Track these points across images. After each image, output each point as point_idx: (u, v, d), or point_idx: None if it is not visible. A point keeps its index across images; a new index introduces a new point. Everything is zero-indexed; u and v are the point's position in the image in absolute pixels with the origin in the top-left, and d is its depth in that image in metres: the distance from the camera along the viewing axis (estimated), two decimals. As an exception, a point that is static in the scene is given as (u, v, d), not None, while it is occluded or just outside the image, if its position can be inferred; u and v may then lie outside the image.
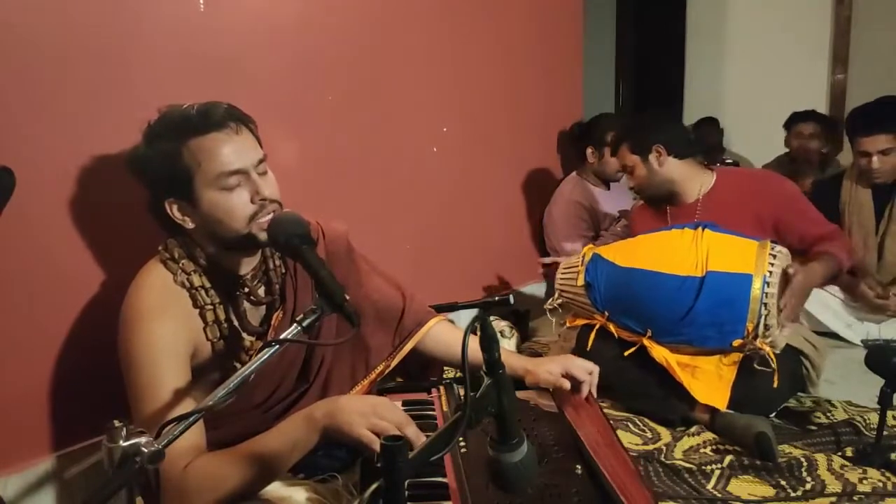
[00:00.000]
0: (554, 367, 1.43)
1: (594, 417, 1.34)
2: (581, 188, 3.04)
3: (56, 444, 1.52)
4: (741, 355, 1.80)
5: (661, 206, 2.31)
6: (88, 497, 0.78)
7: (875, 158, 2.52)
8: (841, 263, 2.05)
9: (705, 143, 4.22)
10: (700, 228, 1.91)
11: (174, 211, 1.24)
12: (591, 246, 2.12)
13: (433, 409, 1.37)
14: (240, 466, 1.11)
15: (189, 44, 1.68)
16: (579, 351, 1.96)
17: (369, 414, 1.09)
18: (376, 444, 1.05)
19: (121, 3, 1.54)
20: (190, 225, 1.25)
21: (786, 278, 1.83)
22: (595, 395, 1.42)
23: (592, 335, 1.98)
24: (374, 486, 0.82)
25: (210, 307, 1.27)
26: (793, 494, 1.51)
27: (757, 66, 4.58)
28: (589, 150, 3.04)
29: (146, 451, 0.82)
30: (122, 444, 0.82)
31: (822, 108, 4.30)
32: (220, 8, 1.74)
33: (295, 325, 1.03)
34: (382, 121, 2.27)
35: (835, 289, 2.62)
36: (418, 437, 1.07)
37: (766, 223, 2.10)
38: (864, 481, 1.53)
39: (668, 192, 2.26)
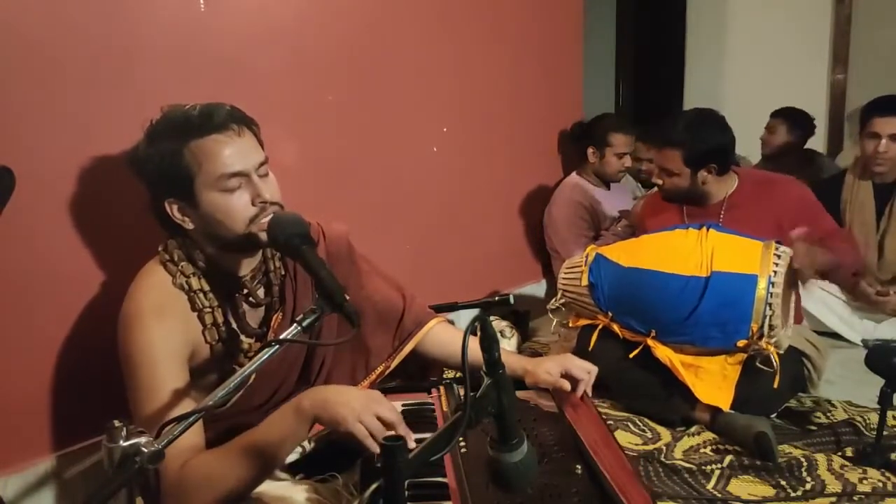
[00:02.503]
0: (553, 367, 1.42)
1: (589, 417, 1.34)
2: (581, 188, 3.04)
3: (56, 444, 1.52)
4: (745, 356, 1.80)
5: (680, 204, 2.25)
6: (88, 497, 0.78)
7: (884, 142, 2.52)
8: (840, 257, 1.99)
9: None
10: (705, 228, 1.90)
11: (174, 211, 1.24)
12: (594, 246, 2.10)
13: (433, 410, 1.37)
14: (235, 462, 1.11)
15: (189, 44, 1.68)
16: (580, 351, 1.95)
17: (361, 409, 1.09)
18: (369, 440, 1.06)
19: (121, 3, 1.54)
20: (189, 225, 1.25)
21: (791, 278, 1.82)
22: (590, 394, 1.42)
23: (594, 335, 1.97)
24: (374, 486, 0.82)
25: (209, 310, 1.27)
26: (793, 494, 1.51)
27: (757, 66, 4.56)
28: (590, 150, 3.04)
29: (146, 451, 0.82)
30: (122, 444, 0.82)
31: (822, 108, 4.29)
32: (220, 8, 1.74)
33: (295, 325, 1.04)
34: (382, 121, 2.27)
35: (835, 288, 2.61)
36: (408, 436, 1.07)
37: (784, 230, 2.05)
38: (864, 481, 1.53)
39: (695, 197, 2.20)
